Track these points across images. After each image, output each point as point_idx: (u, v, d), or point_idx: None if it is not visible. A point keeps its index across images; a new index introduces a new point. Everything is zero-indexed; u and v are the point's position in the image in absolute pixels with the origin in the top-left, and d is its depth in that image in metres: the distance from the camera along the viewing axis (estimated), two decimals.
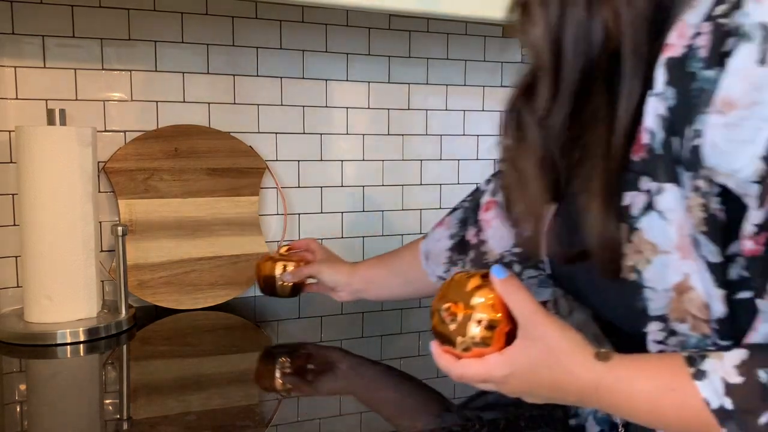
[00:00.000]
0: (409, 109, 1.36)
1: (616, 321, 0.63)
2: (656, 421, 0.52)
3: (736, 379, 0.47)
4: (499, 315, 0.58)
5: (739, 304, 0.50)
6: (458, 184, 1.42)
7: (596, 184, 0.55)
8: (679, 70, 0.48)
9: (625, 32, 0.52)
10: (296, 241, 1.12)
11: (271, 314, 1.15)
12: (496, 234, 0.79)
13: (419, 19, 1.33)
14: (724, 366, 0.48)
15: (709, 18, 0.47)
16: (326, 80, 1.29)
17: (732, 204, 0.48)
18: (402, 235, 1.38)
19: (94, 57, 1.12)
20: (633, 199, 0.53)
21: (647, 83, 0.51)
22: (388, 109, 1.35)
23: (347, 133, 1.32)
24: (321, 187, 1.31)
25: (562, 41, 0.54)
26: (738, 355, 0.48)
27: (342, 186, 1.33)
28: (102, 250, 1.11)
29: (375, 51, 1.32)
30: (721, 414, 0.47)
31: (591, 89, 0.55)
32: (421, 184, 1.39)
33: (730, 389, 0.47)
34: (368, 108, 1.33)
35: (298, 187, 1.29)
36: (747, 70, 0.45)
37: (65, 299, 0.98)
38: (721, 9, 0.46)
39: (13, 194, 1.09)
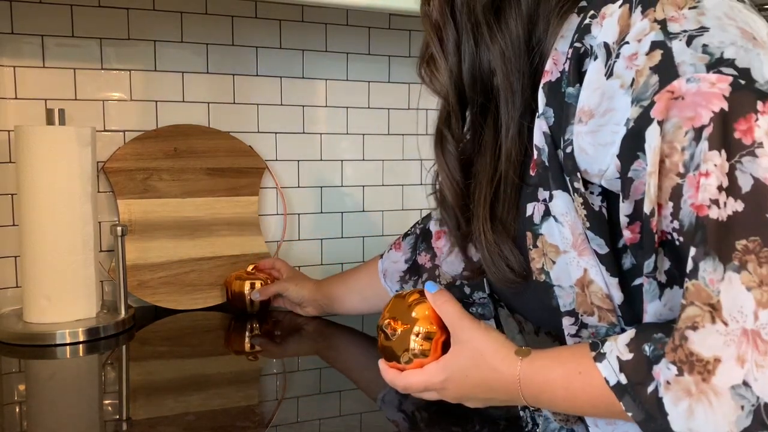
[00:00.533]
0: (409, 109, 1.36)
1: (539, 322, 0.70)
2: (572, 406, 0.57)
3: (628, 356, 0.52)
4: (434, 326, 0.64)
5: (634, 290, 0.55)
6: None
7: (482, 210, 0.63)
8: (555, 92, 0.56)
9: (496, 69, 0.60)
10: (263, 261, 1.16)
11: (271, 315, 1.15)
12: (447, 260, 0.89)
13: (419, 18, 1.33)
14: (618, 346, 0.53)
15: (572, 44, 0.55)
16: (326, 80, 1.28)
17: (613, 201, 0.54)
18: None
19: (94, 57, 1.12)
20: (534, 209, 0.60)
21: (530, 110, 0.59)
22: (388, 109, 1.35)
23: (347, 133, 1.32)
24: (321, 187, 1.31)
25: (463, 85, 0.63)
26: (628, 334, 0.53)
27: (342, 186, 1.33)
28: (101, 250, 1.11)
29: (375, 51, 1.32)
30: (618, 389, 0.51)
31: (484, 123, 0.63)
32: (421, 184, 1.39)
33: (623, 366, 0.52)
34: (368, 108, 1.33)
35: (298, 187, 1.29)
36: (597, 83, 0.52)
37: (64, 299, 0.98)
38: (577, 35, 0.54)
39: (12, 194, 1.09)
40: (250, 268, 1.14)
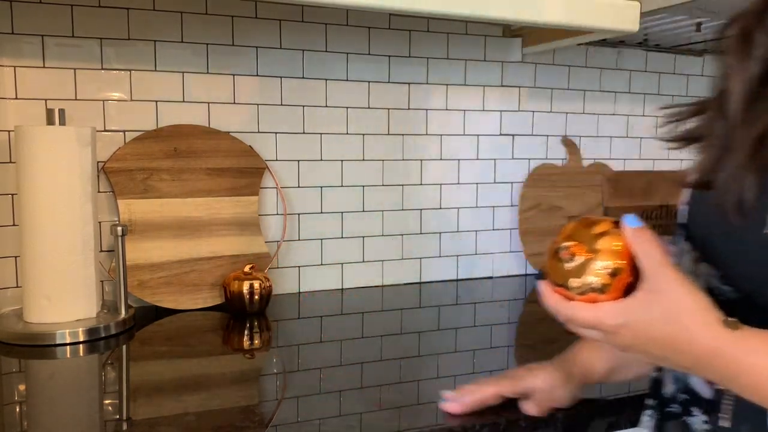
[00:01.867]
0: (409, 109, 1.36)
1: (753, 287, 0.58)
2: None
3: None
4: (624, 263, 0.56)
5: None
6: (458, 184, 1.41)
7: (760, 128, 0.53)
8: None
9: None
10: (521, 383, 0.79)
11: (271, 315, 1.15)
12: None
13: (419, 18, 1.33)
14: None
15: None
16: (326, 80, 1.28)
17: None
18: (402, 235, 1.38)
19: (94, 57, 1.12)
20: None
21: None
22: (388, 109, 1.35)
23: (347, 133, 1.32)
24: (321, 187, 1.31)
25: None
26: None
27: (342, 186, 1.33)
28: (101, 250, 1.11)
29: (375, 51, 1.32)
30: None
31: None
32: (421, 184, 1.39)
33: None
34: (368, 108, 1.33)
35: (298, 187, 1.29)
36: None
37: (64, 299, 0.98)
38: None
39: (12, 194, 1.09)
40: (247, 268, 1.14)
